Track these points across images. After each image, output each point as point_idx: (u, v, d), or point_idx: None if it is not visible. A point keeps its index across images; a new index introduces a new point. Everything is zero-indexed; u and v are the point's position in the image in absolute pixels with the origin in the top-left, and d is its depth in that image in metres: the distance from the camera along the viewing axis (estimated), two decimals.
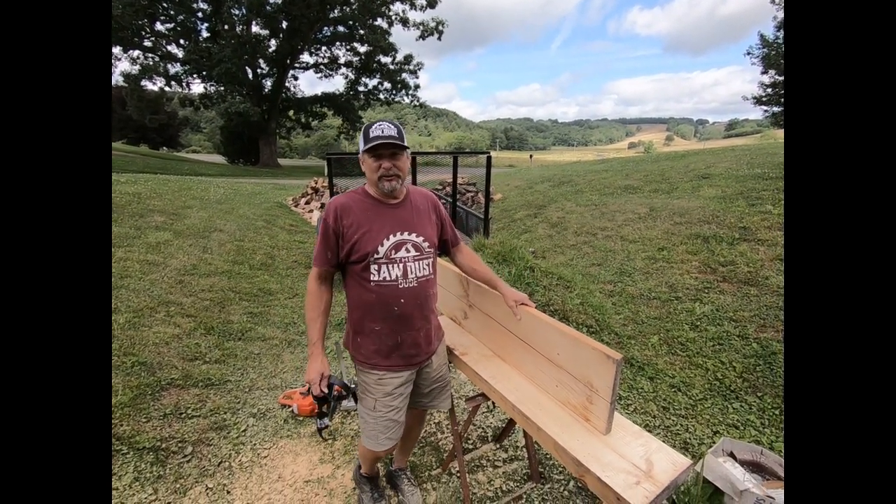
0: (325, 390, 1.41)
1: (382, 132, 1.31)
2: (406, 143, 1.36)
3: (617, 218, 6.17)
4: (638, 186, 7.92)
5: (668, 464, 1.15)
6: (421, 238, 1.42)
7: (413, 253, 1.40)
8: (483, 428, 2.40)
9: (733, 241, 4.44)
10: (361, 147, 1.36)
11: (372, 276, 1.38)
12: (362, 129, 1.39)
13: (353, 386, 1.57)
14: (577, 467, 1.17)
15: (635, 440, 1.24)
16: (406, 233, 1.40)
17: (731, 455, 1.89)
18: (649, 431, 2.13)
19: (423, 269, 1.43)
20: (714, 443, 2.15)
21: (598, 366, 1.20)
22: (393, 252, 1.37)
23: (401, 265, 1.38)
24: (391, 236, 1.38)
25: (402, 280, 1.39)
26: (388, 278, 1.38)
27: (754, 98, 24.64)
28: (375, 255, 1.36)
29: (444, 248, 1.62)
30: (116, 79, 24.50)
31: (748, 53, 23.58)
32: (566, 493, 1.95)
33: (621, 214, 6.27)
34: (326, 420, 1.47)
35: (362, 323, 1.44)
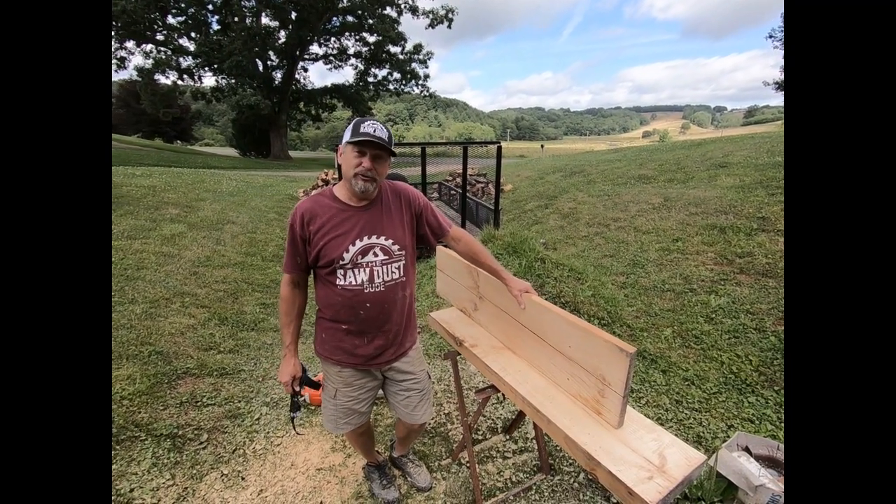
0: (298, 389, 1.55)
1: (374, 132, 1.27)
2: (394, 150, 1.32)
3: (630, 208, 6.05)
4: (652, 176, 7.74)
5: (682, 458, 1.13)
6: (390, 241, 1.38)
7: (381, 257, 1.37)
8: (493, 419, 2.41)
9: (751, 232, 4.31)
10: (347, 138, 1.30)
11: (338, 280, 1.36)
12: (352, 121, 1.33)
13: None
14: (587, 461, 1.16)
15: (648, 434, 1.22)
16: (374, 236, 1.36)
17: (747, 450, 1.85)
18: (662, 425, 2.10)
19: (392, 272, 1.40)
20: (728, 437, 2.12)
21: (610, 359, 1.17)
22: (359, 257, 1.35)
23: (367, 270, 1.36)
24: (357, 241, 1.34)
25: (368, 285, 1.37)
26: (353, 283, 1.36)
27: (776, 83, 23.78)
28: (341, 262, 1.34)
29: (427, 240, 1.51)
30: (130, 73, 24.89)
31: (770, 37, 22.67)
32: (576, 485, 1.94)
33: (634, 205, 6.14)
34: (298, 412, 1.64)
35: (328, 321, 1.45)
